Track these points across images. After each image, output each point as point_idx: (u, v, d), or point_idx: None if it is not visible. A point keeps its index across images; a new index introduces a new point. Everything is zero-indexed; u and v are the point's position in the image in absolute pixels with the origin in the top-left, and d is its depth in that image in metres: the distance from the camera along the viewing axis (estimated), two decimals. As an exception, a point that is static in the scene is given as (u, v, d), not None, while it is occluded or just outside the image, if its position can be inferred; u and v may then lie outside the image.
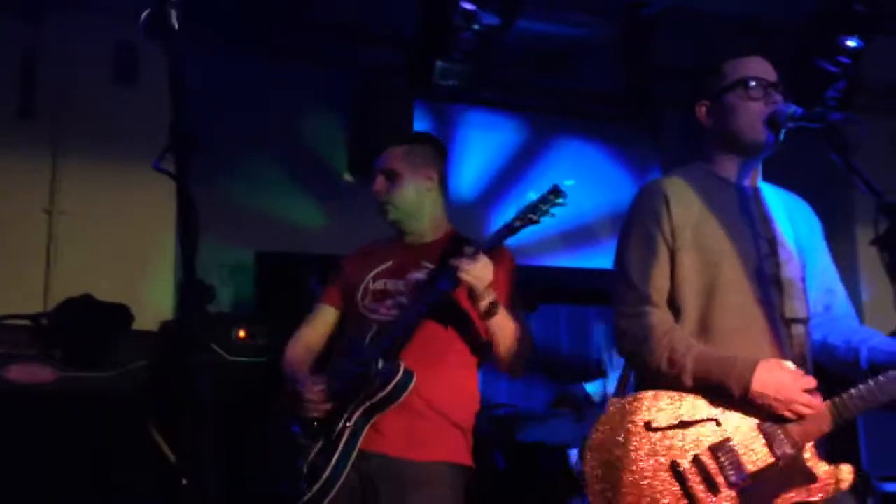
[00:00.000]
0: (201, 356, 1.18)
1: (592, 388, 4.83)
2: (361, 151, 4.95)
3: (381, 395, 2.52)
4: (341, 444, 2.48)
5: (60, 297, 3.82)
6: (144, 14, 1.51)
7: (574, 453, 4.47)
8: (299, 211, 4.93)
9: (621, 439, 2.13)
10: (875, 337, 2.29)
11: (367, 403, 2.53)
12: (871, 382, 2.10)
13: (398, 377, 2.52)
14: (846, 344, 2.31)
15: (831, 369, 2.29)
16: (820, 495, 2.10)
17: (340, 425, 2.51)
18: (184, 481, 1.09)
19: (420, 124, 5.04)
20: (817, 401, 2.11)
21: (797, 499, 2.10)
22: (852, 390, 2.12)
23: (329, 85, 5.06)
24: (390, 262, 2.77)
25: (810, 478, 2.11)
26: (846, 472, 2.12)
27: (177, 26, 1.41)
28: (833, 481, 2.11)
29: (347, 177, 5.06)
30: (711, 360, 2.14)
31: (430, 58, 4.46)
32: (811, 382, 2.12)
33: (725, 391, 2.12)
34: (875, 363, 2.21)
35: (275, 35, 4.77)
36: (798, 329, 2.25)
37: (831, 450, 2.19)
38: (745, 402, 2.12)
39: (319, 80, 5.04)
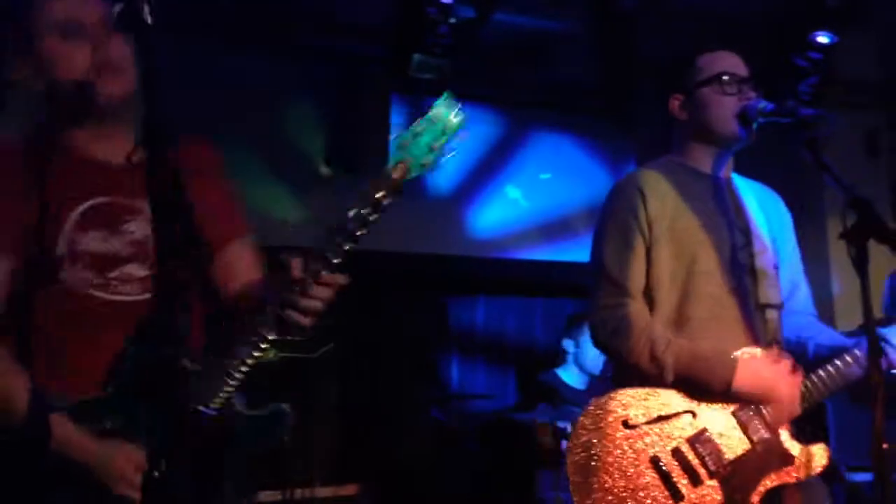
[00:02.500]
0: (179, 351, 1.18)
1: (564, 373, 4.86)
2: (339, 144, 4.94)
3: None
4: None
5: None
6: (116, 8, 1.50)
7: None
8: (277, 203, 4.92)
9: (600, 439, 2.15)
10: (824, 332, 2.37)
11: None
12: (830, 368, 2.19)
13: None
14: (797, 338, 2.38)
15: None
16: (799, 475, 2.16)
17: None
18: (154, 473, 1.09)
19: (397, 117, 5.04)
20: (797, 380, 2.17)
21: (777, 481, 2.15)
22: (817, 375, 2.20)
23: (307, 77, 5.04)
24: None
25: (787, 459, 2.16)
26: (821, 450, 2.17)
27: (149, 20, 1.40)
28: (809, 461, 2.16)
29: (325, 169, 5.05)
30: (692, 358, 2.17)
31: (407, 51, 4.46)
32: (787, 364, 2.17)
33: (706, 388, 2.16)
34: (819, 357, 2.28)
35: (253, 26, 4.74)
36: (772, 314, 2.30)
37: (802, 437, 2.23)
38: (724, 397, 2.16)
39: (297, 72, 5.01)
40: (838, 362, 2.20)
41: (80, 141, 1.73)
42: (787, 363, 2.19)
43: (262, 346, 1.61)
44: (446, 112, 1.68)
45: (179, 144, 1.80)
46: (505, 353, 6.01)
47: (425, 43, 4.36)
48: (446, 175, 5.41)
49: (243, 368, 1.62)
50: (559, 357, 4.91)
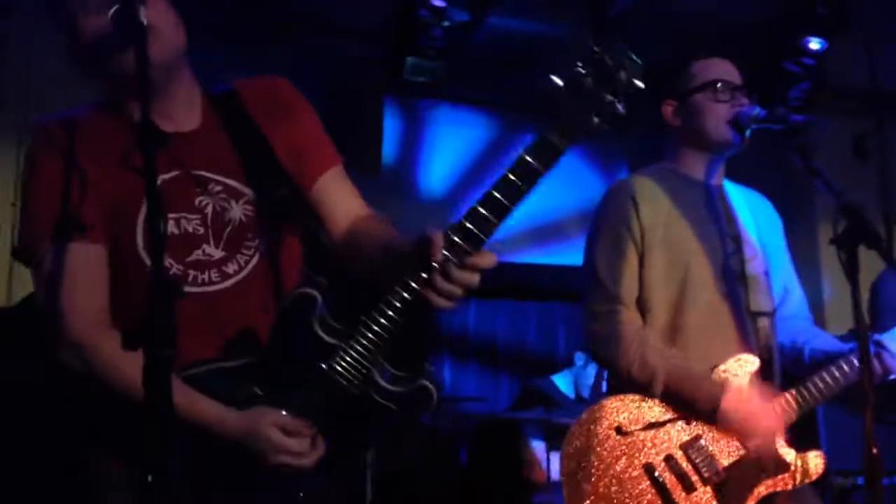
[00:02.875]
0: (170, 352, 1.17)
1: (560, 379, 4.87)
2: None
3: None
4: None
5: (25, 291, 3.77)
6: (113, 9, 1.50)
7: (535, 443, 4.49)
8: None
9: (594, 447, 2.15)
10: (819, 337, 2.37)
11: None
12: (826, 375, 2.19)
13: None
14: (792, 343, 2.38)
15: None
16: (794, 482, 2.16)
17: None
18: (149, 478, 1.08)
19: (391, 120, 5.04)
20: (779, 421, 2.16)
21: (772, 488, 2.15)
22: (813, 380, 2.20)
23: (300, 79, 4.99)
24: None
25: (782, 466, 2.16)
26: (816, 457, 2.18)
27: (145, 22, 1.40)
28: (804, 468, 2.16)
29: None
30: (684, 375, 2.17)
31: (400, 54, 4.46)
32: (776, 411, 2.16)
33: (693, 407, 2.16)
34: (815, 361, 2.28)
35: (246, 27, 4.73)
36: (763, 322, 2.30)
37: (797, 444, 2.24)
38: (708, 419, 2.16)
39: (290, 72, 4.95)
40: (834, 369, 2.20)
41: (132, 108, 1.64)
42: (772, 401, 2.18)
43: (403, 319, 1.51)
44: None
45: (245, 89, 1.79)
46: (496, 356, 6.02)
47: (419, 46, 4.36)
48: (438, 178, 5.41)
49: (384, 344, 1.54)
50: (561, 364, 4.92)
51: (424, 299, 1.48)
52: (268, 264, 1.69)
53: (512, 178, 1.46)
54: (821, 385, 2.19)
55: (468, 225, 1.46)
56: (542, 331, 6.17)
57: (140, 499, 1.17)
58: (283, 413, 1.55)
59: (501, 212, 1.47)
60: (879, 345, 2.20)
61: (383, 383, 1.59)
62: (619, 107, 1.44)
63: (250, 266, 1.68)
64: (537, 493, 4.42)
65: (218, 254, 1.66)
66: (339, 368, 1.56)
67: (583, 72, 1.43)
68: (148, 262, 1.59)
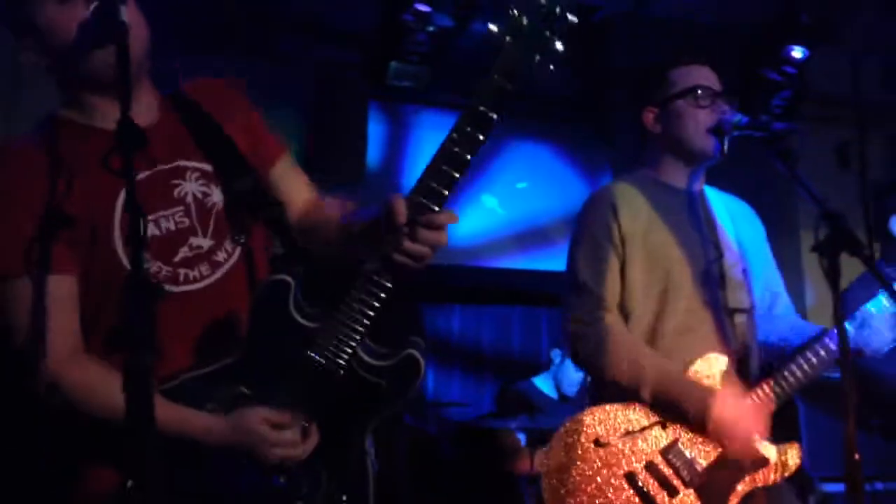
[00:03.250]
0: (149, 357, 1.16)
1: (540, 381, 4.87)
2: (316, 150, 4.92)
3: None
4: None
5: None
6: (92, 8, 1.48)
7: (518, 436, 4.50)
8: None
9: (574, 460, 2.15)
10: (808, 328, 2.37)
11: None
12: (800, 359, 2.19)
13: None
14: (784, 341, 2.38)
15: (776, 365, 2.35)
16: (775, 476, 2.17)
17: None
18: (129, 483, 1.07)
19: (375, 124, 5.03)
20: (760, 426, 2.16)
21: (753, 484, 2.16)
22: (790, 368, 2.20)
23: (284, 83, 5.01)
24: None
25: (761, 462, 2.17)
26: (794, 450, 2.19)
27: (126, 22, 1.38)
28: (783, 461, 2.17)
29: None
30: (672, 380, 2.17)
31: (385, 58, 4.45)
32: (760, 423, 2.16)
33: (681, 412, 2.16)
34: (795, 347, 2.29)
35: (230, 31, 4.71)
36: (740, 318, 2.31)
37: (774, 438, 2.24)
38: (697, 425, 2.16)
39: (275, 77, 4.99)
40: (809, 355, 2.20)
41: (102, 113, 1.60)
42: (764, 427, 2.18)
43: (384, 294, 1.52)
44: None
45: (194, 89, 1.78)
46: (481, 361, 6.01)
47: (403, 50, 4.36)
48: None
49: (366, 320, 1.53)
50: (545, 368, 4.92)
51: (397, 264, 1.49)
52: (246, 252, 1.69)
53: (466, 128, 1.48)
54: (797, 372, 2.19)
55: (430, 183, 1.48)
56: (527, 336, 6.17)
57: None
58: (267, 408, 1.53)
59: (459, 164, 1.49)
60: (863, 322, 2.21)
61: (369, 359, 1.58)
62: (558, 43, 1.48)
63: (236, 253, 1.68)
64: (523, 482, 4.41)
65: (207, 243, 1.64)
66: (324, 352, 1.55)
67: (517, 14, 1.46)
68: (126, 264, 1.55)
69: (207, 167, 1.70)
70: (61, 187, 1.54)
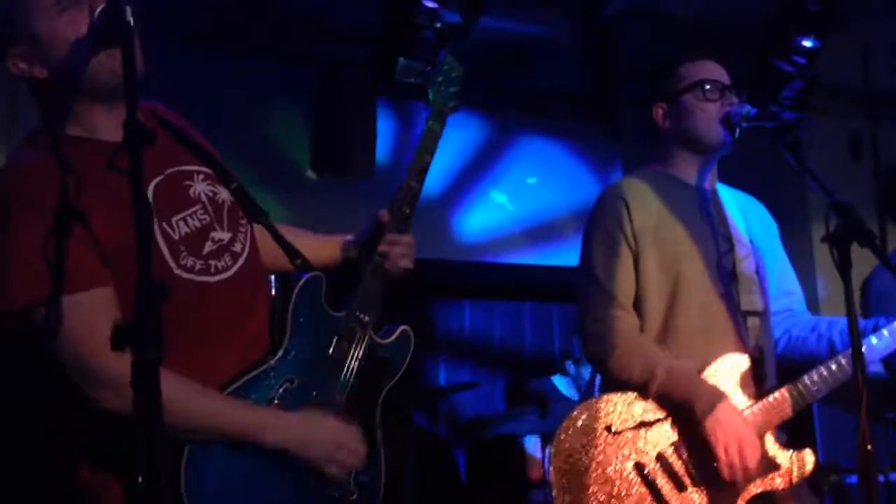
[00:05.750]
0: (158, 356, 1.16)
1: (559, 380, 4.86)
2: (324, 148, 4.93)
3: None
4: None
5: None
6: (99, 9, 1.49)
7: (531, 441, 4.50)
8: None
9: (584, 446, 2.15)
10: (839, 322, 2.34)
11: None
12: (827, 365, 2.18)
13: None
14: (815, 333, 2.37)
15: (800, 363, 2.32)
16: (783, 481, 2.15)
17: None
18: (139, 479, 1.08)
19: (383, 121, 5.03)
20: (754, 461, 2.12)
21: (762, 487, 2.15)
22: (809, 375, 2.18)
23: (291, 81, 5.02)
24: None
25: (773, 465, 2.16)
26: (807, 456, 2.17)
27: (132, 22, 1.39)
28: (795, 467, 2.15)
29: (310, 174, 5.04)
30: (681, 376, 2.16)
31: (392, 55, 4.45)
32: (757, 453, 2.12)
33: (686, 409, 2.14)
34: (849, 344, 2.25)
35: (237, 30, 4.72)
36: (754, 321, 2.30)
37: (789, 442, 2.23)
38: (694, 423, 2.14)
39: (282, 76, 5.00)
40: (830, 364, 2.19)
41: (102, 126, 1.61)
42: (757, 450, 2.13)
43: (387, 284, 1.87)
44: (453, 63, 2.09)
45: (157, 108, 1.82)
46: (493, 356, 6.01)
47: (411, 47, 4.35)
48: (432, 180, 5.38)
49: (378, 307, 1.83)
50: (560, 363, 4.90)
51: (390, 263, 1.89)
52: (253, 243, 1.80)
53: (422, 153, 2.01)
54: (817, 380, 2.18)
55: (400, 197, 1.94)
56: (538, 331, 6.16)
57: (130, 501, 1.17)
58: (335, 415, 1.70)
59: (420, 178, 1.99)
60: (876, 328, 2.21)
61: (379, 339, 1.87)
62: (457, 94, 2.05)
63: (248, 244, 1.77)
64: (535, 490, 4.41)
65: (226, 235, 1.73)
66: (354, 338, 1.79)
67: (435, 73, 2.06)
68: (171, 262, 1.62)
69: (207, 170, 1.77)
70: (84, 203, 1.52)
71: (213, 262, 1.68)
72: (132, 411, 1.39)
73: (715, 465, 2.11)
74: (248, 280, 1.74)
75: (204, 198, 1.72)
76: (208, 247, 1.68)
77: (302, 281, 1.77)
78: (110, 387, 1.50)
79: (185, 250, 1.63)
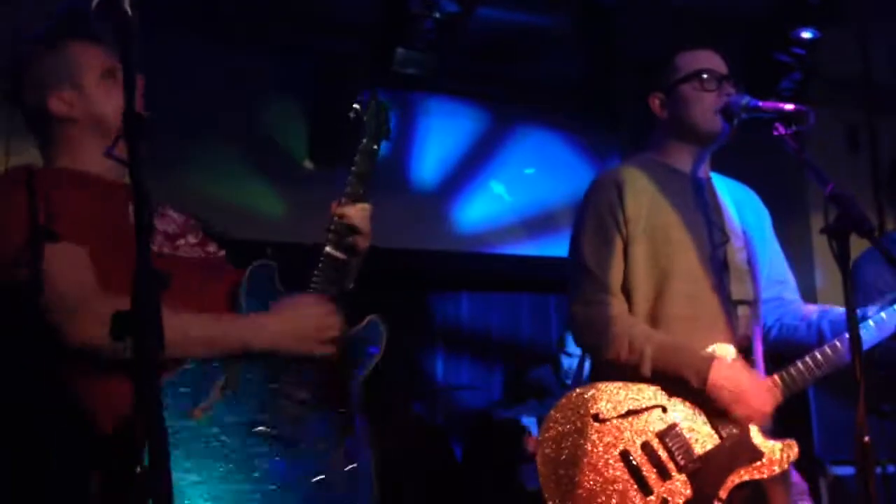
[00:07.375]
0: (157, 344, 1.17)
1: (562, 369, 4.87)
2: (321, 139, 4.92)
3: None
4: None
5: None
6: (95, 1, 1.48)
7: (530, 421, 4.51)
8: (258, 199, 4.89)
9: (571, 433, 2.16)
10: (830, 311, 2.37)
11: None
12: (814, 354, 2.20)
13: None
14: (805, 322, 2.39)
15: (791, 351, 2.34)
16: (768, 471, 2.16)
17: None
18: (138, 468, 1.08)
19: (381, 112, 5.01)
20: (769, 394, 2.16)
21: (747, 476, 2.16)
22: (798, 363, 2.20)
23: (289, 72, 5.01)
24: None
25: (757, 455, 2.17)
26: (791, 445, 2.19)
27: (130, 12, 1.39)
28: (779, 456, 2.17)
29: (308, 164, 5.03)
30: (671, 351, 2.18)
31: (390, 45, 4.44)
32: (765, 386, 2.17)
33: (682, 381, 2.16)
34: (836, 333, 2.27)
35: (234, 21, 4.71)
36: (744, 310, 2.32)
37: (783, 433, 2.24)
38: (697, 393, 2.16)
39: (279, 67, 4.99)
40: (819, 352, 2.21)
41: (106, 168, 1.85)
42: (759, 374, 2.20)
43: (339, 268, 1.96)
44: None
45: None
46: (490, 348, 6.02)
47: (409, 37, 4.34)
48: (430, 170, 5.40)
49: (334, 290, 1.92)
50: (555, 354, 4.91)
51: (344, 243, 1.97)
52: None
53: (357, 175, 2.07)
54: (806, 368, 2.20)
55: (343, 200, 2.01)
56: (536, 322, 6.17)
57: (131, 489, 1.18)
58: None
59: (366, 185, 2.05)
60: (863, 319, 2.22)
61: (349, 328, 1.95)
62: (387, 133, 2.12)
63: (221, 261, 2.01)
64: (531, 464, 4.42)
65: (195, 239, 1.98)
66: None
67: (363, 115, 2.10)
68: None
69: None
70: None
71: (180, 245, 1.92)
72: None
73: (703, 454, 2.13)
74: (208, 268, 1.93)
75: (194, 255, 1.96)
76: (179, 242, 1.93)
77: (251, 266, 1.87)
78: (100, 322, 1.54)
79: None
